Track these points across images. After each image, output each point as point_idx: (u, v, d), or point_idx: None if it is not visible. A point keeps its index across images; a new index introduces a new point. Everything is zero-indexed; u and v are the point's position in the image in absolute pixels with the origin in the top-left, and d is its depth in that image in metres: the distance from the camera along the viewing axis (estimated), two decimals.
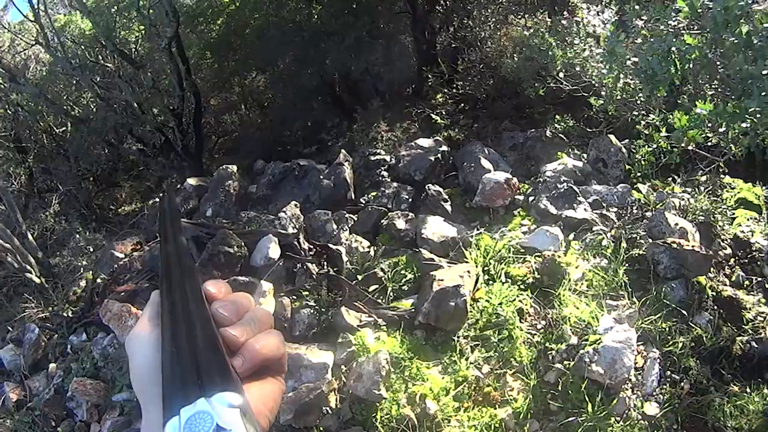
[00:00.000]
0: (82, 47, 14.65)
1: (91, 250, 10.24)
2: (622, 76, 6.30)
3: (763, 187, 8.18)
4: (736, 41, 4.87)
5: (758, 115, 4.90)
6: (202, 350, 0.93)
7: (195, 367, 0.90)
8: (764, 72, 4.75)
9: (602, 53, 6.66)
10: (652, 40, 5.84)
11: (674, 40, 5.26)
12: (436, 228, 8.04)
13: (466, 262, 7.35)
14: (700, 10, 5.04)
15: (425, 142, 10.29)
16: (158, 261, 7.97)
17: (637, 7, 6.62)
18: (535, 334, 6.56)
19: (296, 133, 13.84)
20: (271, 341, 1.03)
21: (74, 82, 14.40)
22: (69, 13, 16.98)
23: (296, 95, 13.84)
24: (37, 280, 9.22)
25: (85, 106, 15.13)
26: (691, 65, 5.27)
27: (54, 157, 15.07)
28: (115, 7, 13.97)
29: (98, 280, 8.55)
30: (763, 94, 4.66)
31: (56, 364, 7.61)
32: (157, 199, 12.23)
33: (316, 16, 13.66)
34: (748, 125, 4.97)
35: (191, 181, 10.55)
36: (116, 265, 8.68)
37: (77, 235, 10.85)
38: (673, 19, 5.70)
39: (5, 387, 7.46)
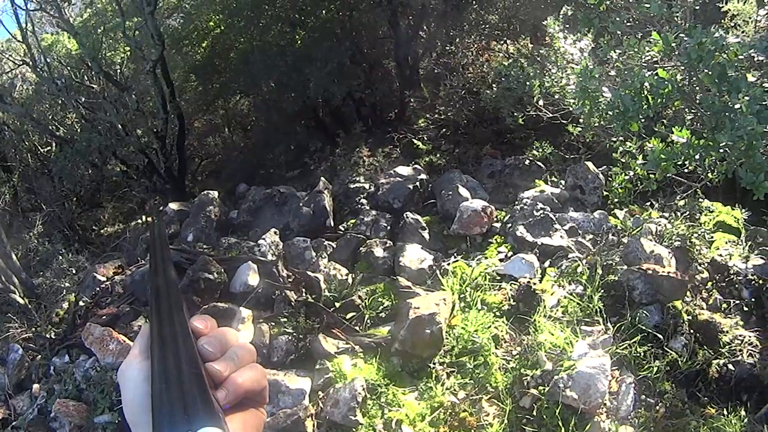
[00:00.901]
0: (68, 68, 14.68)
1: (74, 271, 10.23)
2: (594, 111, 6.38)
3: (743, 210, 8.21)
4: (710, 73, 4.97)
5: (729, 150, 4.99)
6: (189, 385, 0.98)
7: (182, 402, 0.95)
8: (737, 105, 4.85)
9: (573, 89, 6.75)
10: (625, 73, 5.93)
11: (647, 75, 5.34)
12: (414, 256, 8.10)
13: (443, 289, 7.42)
14: (674, 44, 5.15)
15: (404, 170, 10.33)
16: (139, 286, 8.05)
17: (619, 32, 6.72)
18: (511, 360, 6.60)
19: (279, 156, 13.83)
20: (253, 375, 1.10)
21: (59, 102, 14.45)
22: (56, 33, 17.01)
23: (279, 119, 13.91)
24: (21, 301, 9.22)
25: (69, 127, 15.14)
26: (664, 99, 5.35)
27: (38, 177, 15.03)
28: (102, 29, 14.04)
29: (80, 303, 8.56)
30: (736, 126, 4.74)
31: (39, 384, 7.60)
32: (140, 221, 12.25)
33: (299, 41, 13.73)
34: (723, 154, 5.07)
35: (173, 205, 10.56)
36: (98, 288, 8.71)
37: (60, 257, 10.85)
38: (647, 54, 5.80)
39: None
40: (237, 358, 1.10)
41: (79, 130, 14.31)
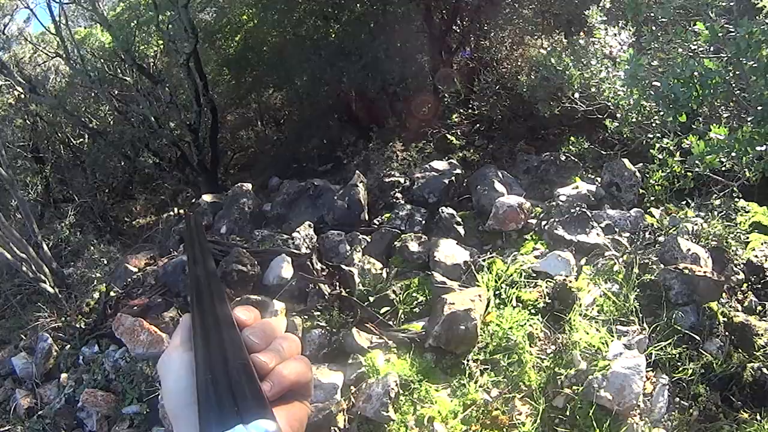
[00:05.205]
0: (102, 60, 14.77)
1: (105, 262, 10.29)
2: (642, 100, 6.27)
3: None
4: (756, 65, 4.87)
5: None
6: (237, 376, 0.95)
7: (231, 393, 0.92)
8: None
9: (622, 77, 6.64)
10: (671, 64, 5.82)
11: (695, 64, 5.24)
12: (449, 251, 8.02)
13: (478, 285, 7.35)
14: (720, 34, 5.04)
15: (440, 164, 10.22)
16: (171, 277, 8.04)
17: (662, 21, 6.60)
18: (545, 359, 6.53)
19: (312, 150, 13.82)
20: (298, 367, 1.07)
21: (93, 94, 14.58)
22: (89, 26, 17.11)
23: (312, 113, 13.93)
24: (51, 290, 9.28)
25: (102, 119, 15.29)
26: (712, 90, 5.25)
27: (71, 168, 15.20)
28: (135, 22, 14.11)
29: (111, 293, 8.57)
30: None
31: (68, 374, 7.63)
32: (172, 213, 12.29)
33: (333, 35, 13.72)
34: (765, 149, 4.96)
35: (206, 197, 10.59)
36: (130, 279, 8.72)
37: (92, 247, 10.91)
38: (693, 42, 5.70)
39: (17, 394, 7.51)
40: (282, 349, 1.07)
41: (112, 123, 14.46)
